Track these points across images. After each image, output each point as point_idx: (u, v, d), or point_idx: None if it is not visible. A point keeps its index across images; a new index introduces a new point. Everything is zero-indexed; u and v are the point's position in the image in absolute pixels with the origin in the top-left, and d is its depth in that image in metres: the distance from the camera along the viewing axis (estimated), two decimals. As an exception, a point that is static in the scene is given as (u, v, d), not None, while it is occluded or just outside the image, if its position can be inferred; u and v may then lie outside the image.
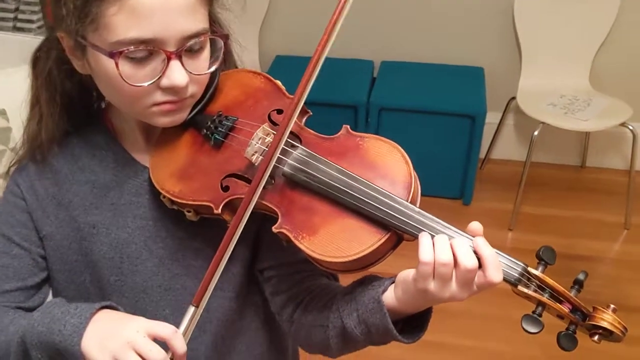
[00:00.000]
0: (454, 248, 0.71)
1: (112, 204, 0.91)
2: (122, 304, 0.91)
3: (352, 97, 2.74)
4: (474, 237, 0.73)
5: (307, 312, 0.88)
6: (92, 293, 0.92)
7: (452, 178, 2.81)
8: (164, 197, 0.86)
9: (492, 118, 2.86)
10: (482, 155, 2.96)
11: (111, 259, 0.90)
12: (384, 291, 0.78)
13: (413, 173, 0.78)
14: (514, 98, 2.78)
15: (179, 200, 0.84)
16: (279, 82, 0.90)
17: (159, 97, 0.81)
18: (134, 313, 0.91)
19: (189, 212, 0.85)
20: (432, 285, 0.72)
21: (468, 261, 0.70)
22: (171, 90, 0.80)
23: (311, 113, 0.88)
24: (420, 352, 2.17)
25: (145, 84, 0.78)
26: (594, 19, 2.72)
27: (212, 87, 0.89)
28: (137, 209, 0.90)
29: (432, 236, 0.73)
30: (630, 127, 2.52)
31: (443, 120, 2.70)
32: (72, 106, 0.91)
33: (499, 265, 0.72)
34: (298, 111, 0.79)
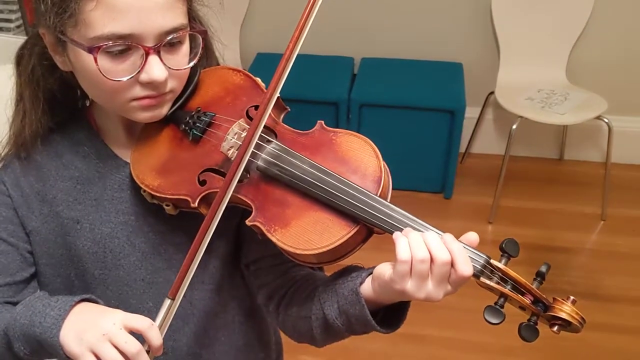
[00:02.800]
0: (427, 244, 0.73)
1: (95, 199, 0.92)
2: (106, 297, 0.92)
3: (333, 94, 2.76)
4: (469, 245, 0.75)
5: (291, 304, 0.90)
6: (78, 286, 0.94)
7: (433, 172, 2.84)
8: (144, 191, 0.87)
9: (471, 113, 2.90)
10: (462, 149, 2.99)
11: (95, 253, 0.92)
12: (361, 283, 0.80)
13: (384, 167, 0.80)
14: (492, 93, 2.82)
15: (158, 195, 0.86)
16: (258, 79, 0.92)
17: (138, 91, 0.82)
18: (117, 306, 0.92)
19: (167, 205, 0.87)
20: (409, 285, 0.73)
21: (442, 255, 0.72)
22: (150, 85, 0.81)
23: (289, 109, 0.90)
24: (402, 344, 2.21)
25: (124, 79, 0.80)
26: (570, 13, 2.77)
27: (192, 84, 0.91)
28: (120, 204, 0.92)
29: (400, 229, 0.75)
30: (606, 120, 2.57)
31: (423, 116, 2.73)
32: (55, 103, 0.92)
33: (467, 259, 0.74)
34: (271, 106, 0.81)
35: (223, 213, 0.79)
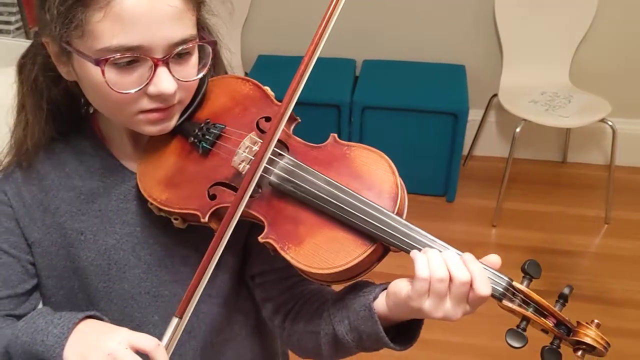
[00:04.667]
0: (446, 263, 0.72)
1: (99, 210, 0.90)
2: (110, 310, 0.91)
3: (335, 97, 2.75)
4: (490, 266, 0.74)
5: (298, 318, 0.88)
6: (81, 299, 0.92)
7: (436, 175, 2.82)
8: (152, 204, 0.85)
9: (474, 115, 2.88)
10: (465, 152, 2.98)
11: (99, 265, 0.90)
12: (375, 298, 0.78)
13: (400, 183, 0.78)
14: (495, 95, 2.81)
15: (166, 208, 0.84)
16: (267, 89, 0.90)
17: (146, 104, 0.80)
18: (122, 319, 0.91)
19: (176, 219, 0.85)
20: (426, 304, 0.72)
21: (462, 274, 0.71)
22: (159, 97, 0.80)
23: (300, 120, 0.88)
24: (409, 349, 2.19)
25: (132, 91, 0.78)
26: (574, 16, 2.75)
27: (200, 94, 0.89)
28: (125, 215, 0.90)
29: (419, 249, 0.74)
30: (610, 123, 2.55)
31: (426, 118, 2.71)
32: (58, 112, 0.90)
33: (486, 279, 0.72)
34: (285, 121, 0.79)
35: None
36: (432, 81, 2.84)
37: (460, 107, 2.66)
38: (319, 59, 0.79)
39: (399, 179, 0.78)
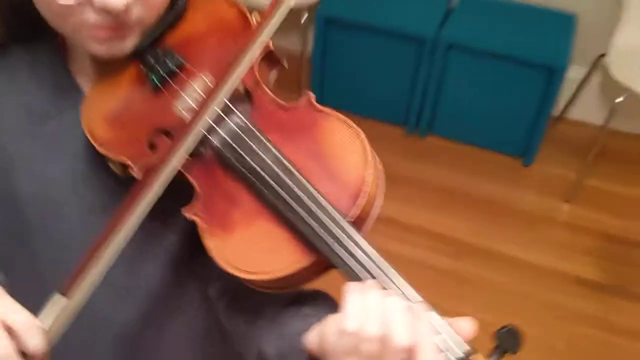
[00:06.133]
0: (386, 315, 0.53)
1: (46, 134, 0.77)
2: (43, 252, 0.79)
3: (419, 28, 2.47)
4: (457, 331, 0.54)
5: (237, 314, 0.74)
6: (11, 232, 0.81)
7: (516, 133, 2.53)
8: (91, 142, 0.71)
9: (574, 73, 2.54)
10: (555, 113, 2.65)
11: (35, 195, 0.78)
12: (311, 329, 0.62)
13: (372, 177, 0.59)
14: (604, 55, 2.44)
15: (104, 152, 0.70)
16: (254, 19, 0.71)
17: (92, 18, 0.65)
18: (54, 266, 0.80)
19: (113, 165, 0.71)
20: None
21: (402, 337, 0.52)
22: (106, 12, 0.64)
23: (286, 66, 0.70)
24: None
25: (72, 2, 0.64)
26: None
27: (173, 14, 0.73)
28: (73, 145, 0.77)
29: (359, 279, 0.56)
30: None
31: (517, 69, 2.41)
32: (13, 12, 0.76)
33: (435, 349, 0.53)
34: (250, 63, 0.62)
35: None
36: (534, 28, 2.50)
37: (560, 62, 2.33)
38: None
39: (370, 172, 0.60)
